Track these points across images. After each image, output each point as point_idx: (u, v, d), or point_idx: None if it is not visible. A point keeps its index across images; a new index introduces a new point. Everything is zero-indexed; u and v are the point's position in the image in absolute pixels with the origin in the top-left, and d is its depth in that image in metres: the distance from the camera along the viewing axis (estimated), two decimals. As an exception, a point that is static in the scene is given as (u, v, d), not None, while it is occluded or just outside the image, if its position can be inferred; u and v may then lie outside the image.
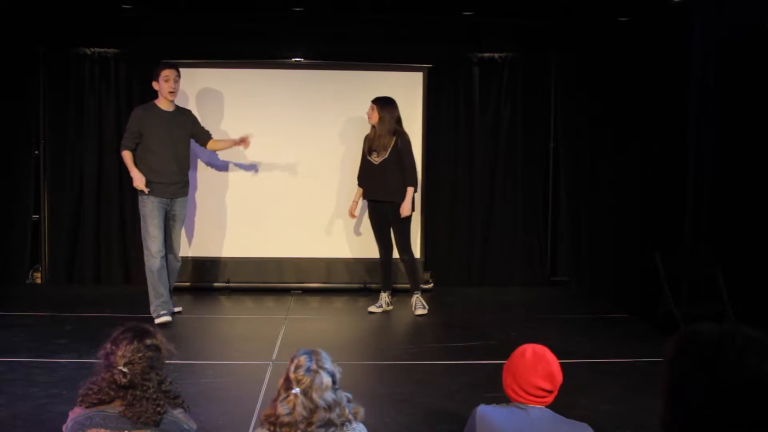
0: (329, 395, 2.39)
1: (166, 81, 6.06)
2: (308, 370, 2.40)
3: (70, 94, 7.40)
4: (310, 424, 2.37)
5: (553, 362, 2.63)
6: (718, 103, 6.01)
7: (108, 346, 2.57)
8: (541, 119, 7.73)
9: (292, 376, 2.41)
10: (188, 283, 7.29)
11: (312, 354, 2.47)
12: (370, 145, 6.46)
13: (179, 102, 6.78)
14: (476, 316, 6.53)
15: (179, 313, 6.39)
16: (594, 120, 7.50)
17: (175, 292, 7.14)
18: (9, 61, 7.11)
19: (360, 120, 7.33)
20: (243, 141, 6.46)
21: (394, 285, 6.82)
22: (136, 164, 6.01)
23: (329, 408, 2.38)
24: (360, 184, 6.62)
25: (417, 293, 6.57)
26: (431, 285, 7.46)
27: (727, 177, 5.97)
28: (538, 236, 7.81)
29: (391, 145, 6.34)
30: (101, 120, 7.42)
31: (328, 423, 2.38)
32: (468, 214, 7.73)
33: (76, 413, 2.55)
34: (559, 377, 2.63)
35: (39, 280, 7.50)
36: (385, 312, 6.56)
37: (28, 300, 6.74)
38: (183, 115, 6.32)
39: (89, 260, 7.47)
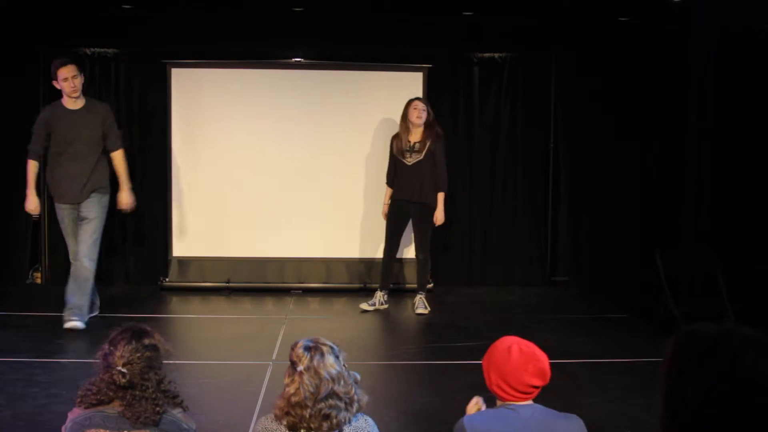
0: (333, 367, 2.43)
1: (65, 80, 5.65)
2: (306, 348, 2.47)
3: (70, 94, 7.39)
4: (317, 400, 2.39)
5: (542, 358, 2.58)
6: (717, 103, 6.02)
7: (106, 346, 2.57)
8: (541, 119, 7.72)
9: (294, 358, 2.47)
10: (189, 284, 7.28)
11: (309, 338, 2.54)
12: (403, 146, 6.37)
13: (182, 98, 6.73)
14: (476, 316, 6.53)
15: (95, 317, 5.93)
16: (594, 120, 7.49)
17: (176, 292, 7.17)
18: (9, 61, 7.10)
19: (360, 120, 7.34)
20: (121, 198, 5.90)
21: (402, 285, 6.81)
22: (47, 170, 5.75)
23: (333, 380, 2.42)
24: (390, 184, 6.55)
25: (422, 294, 6.56)
26: (431, 285, 7.45)
27: (727, 177, 5.97)
28: (538, 236, 7.80)
29: (427, 146, 6.32)
30: (101, 120, 7.41)
31: (334, 395, 2.41)
32: (468, 214, 7.72)
33: (75, 414, 2.55)
34: (549, 372, 2.59)
35: (39, 280, 7.49)
36: (379, 311, 6.53)
37: (28, 300, 6.74)
38: (93, 112, 5.83)
39: (89, 260, 7.45)
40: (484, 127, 7.69)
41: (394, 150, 6.46)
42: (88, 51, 7.36)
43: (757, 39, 5.70)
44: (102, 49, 7.37)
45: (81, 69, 5.84)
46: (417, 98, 6.49)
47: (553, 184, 7.80)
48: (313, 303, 7.05)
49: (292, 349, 2.51)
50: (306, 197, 7.35)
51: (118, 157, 5.85)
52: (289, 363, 2.50)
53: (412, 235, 6.63)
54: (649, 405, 4.13)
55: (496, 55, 7.66)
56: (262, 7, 7.05)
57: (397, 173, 6.47)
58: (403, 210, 6.47)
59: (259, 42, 7.36)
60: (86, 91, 7.35)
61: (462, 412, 2.70)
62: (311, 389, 2.39)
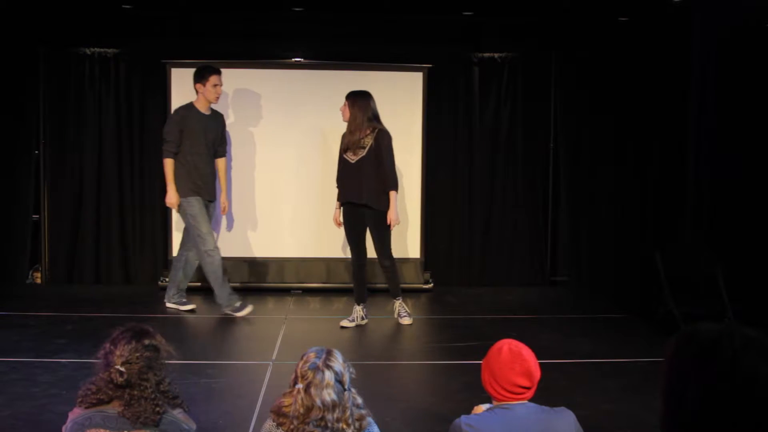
0: (329, 395, 2.38)
1: (215, 86, 6.22)
2: (314, 367, 2.42)
3: (70, 94, 7.40)
4: (303, 421, 2.38)
5: (529, 359, 2.60)
6: (717, 103, 6.01)
7: (107, 345, 2.58)
8: (541, 119, 7.73)
9: (298, 371, 2.45)
10: (189, 284, 7.25)
11: (322, 352, 2.48)
12: (346, 143, 5.92)
13: (182, 98, 6.74)
14: (476, 316, 6.53)
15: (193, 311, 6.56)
16: (594, 120, 7.50)
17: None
18: (9, 61, 7.10)
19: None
20: (223, 206, 6.71)
21: (373, 285, 6.65)
22: (175, 167, 6.16)
23: (326, 408, 2.37)
24: (337, 186, 6.11)
25: (399, 299, 6.23)
26: (431, 285, 7.46)
27: (727, 177, 5.97)
28: (538, 236, 7.81)
29: (369, 143, 5.82)
30: (101, 120, 7.42)
31: (322, 421, 2.37)
32: (468, 214, 7.73)
33: (75, 414, 2.55)
34: (537, 373, 2.61)
35: (39, 280, 7.49)
36: (359, 325, 6.09)
37: (28, 300, 6.73)
38: (216, 119, 6.45)
39: (89, 260, 7.46)
40: (484, 127, 7.69)
41: (342, 146, 5.97)
42: (88, 51, 7.37)
43: (757, 39, 5.70)
44: (102, 49, 7.38)
45: None
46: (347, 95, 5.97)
47: (553, 184, 7.81)
48: (313, 303, 7.05)
49: (302, 358, 2.47)
50: (306, 197, 7.35)
51: (223, 164, 6.56)
52: (294, 369, 2.48)
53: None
54: (649, 405, 4.13)
55: (496, 55, 7.67)
56: (262, 7, 7.05)
57: (341, 173, 6.01)
58: (354, 214, 6.00)
59: (259, 42, 7.36)
60: (86, 91, 7.42)
61: (461, 411, 2.70)
62: (302, 410, 2.38)
